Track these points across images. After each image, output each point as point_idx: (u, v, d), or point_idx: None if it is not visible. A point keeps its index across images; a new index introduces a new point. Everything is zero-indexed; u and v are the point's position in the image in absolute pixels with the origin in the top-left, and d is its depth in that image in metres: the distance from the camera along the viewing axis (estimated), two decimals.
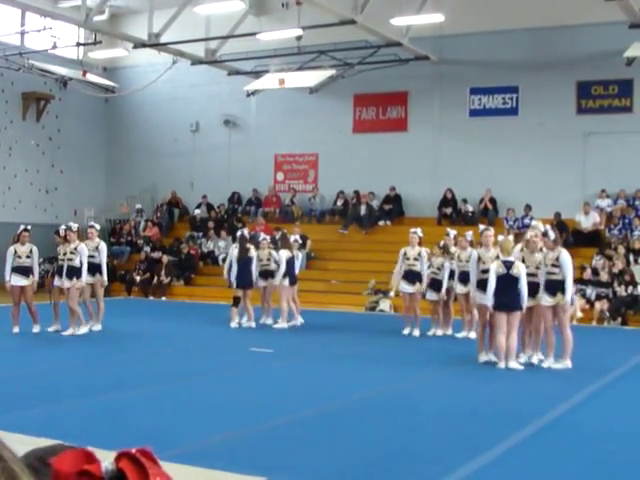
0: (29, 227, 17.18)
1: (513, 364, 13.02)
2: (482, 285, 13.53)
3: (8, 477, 1.04)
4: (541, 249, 13.54)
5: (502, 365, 13.02)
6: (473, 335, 16.87)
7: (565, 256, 13.30)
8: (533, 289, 13.25)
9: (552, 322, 13.34)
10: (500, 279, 13.02)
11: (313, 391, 11.02)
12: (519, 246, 13.83)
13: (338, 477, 6.99)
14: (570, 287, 13.30)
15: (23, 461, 1.15)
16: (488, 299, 13.17)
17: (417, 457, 7.83)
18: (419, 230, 17.91)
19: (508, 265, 13.02)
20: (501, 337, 13.03)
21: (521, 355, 13.67)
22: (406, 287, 17.64)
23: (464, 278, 16.72)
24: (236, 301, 18.71)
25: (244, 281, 18.68)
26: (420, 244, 17.76)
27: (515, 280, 12.94)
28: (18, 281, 16.57)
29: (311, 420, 9.26)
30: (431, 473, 7.22)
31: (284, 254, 18.81)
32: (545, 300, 13.22)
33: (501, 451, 7.97)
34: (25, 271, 16.60)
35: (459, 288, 17.08)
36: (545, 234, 13.49)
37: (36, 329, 16.62)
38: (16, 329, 16.50)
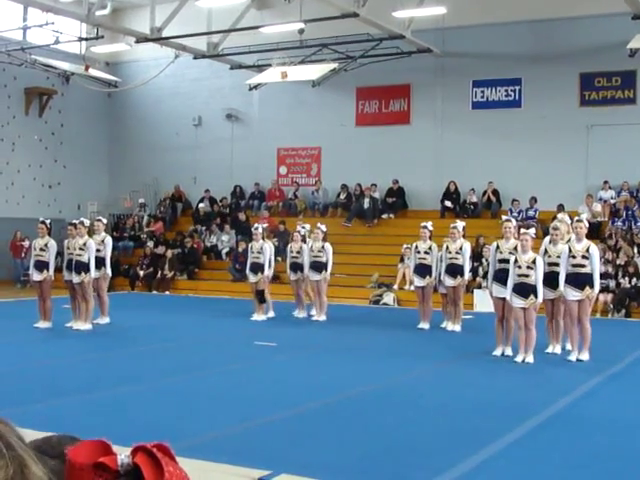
0: (48, 220, 17.12)
1: (529, 358, 12.94)
2: (498, 277, 13.41)
3: (17, 465, 1.05)
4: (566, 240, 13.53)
5: (519, 359, 12.93)
6: (458, 328, 16.92)
7: (594, 248, 13.25)
8: (555, 279, 13.15)
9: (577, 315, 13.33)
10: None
11: (317, 384, 11.03)
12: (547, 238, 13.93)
13: (342, 470, 7.00)
14: (598, 279, 13.23)
15: (33, 448, 1.16)
16: (507, 292, 13.14)
17: (421, 450, 7.84)
18: (429, 224, 17.90)
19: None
20: (519, 332, 12.99)
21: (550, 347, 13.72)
22: (417, 281, 17.65)
23: (453, 270, 16.85)
24: (261, 295, 18.88)
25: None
26: (430, 238, 17.75)
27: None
28: (35, 276, 16.61)
29: (315, 413, 9.27)
30: (435, 466, 7.23)
31: (329, 247, 19.10)
32: (572, 295, 13.11)
33: (505, 444, 7.98)
34: (41, 265, 16.60)
35: (447, 281, 17.15)
36: (580, 221, 13.45)
37: (45, 325, 16.62)
38: (43, 324, 16.54)
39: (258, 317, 18.71)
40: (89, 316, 16.82)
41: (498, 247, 13.75)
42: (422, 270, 17.52)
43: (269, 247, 19.03)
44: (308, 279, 19.25)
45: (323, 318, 18.76)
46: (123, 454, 1.10)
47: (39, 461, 1.10)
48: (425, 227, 17.74)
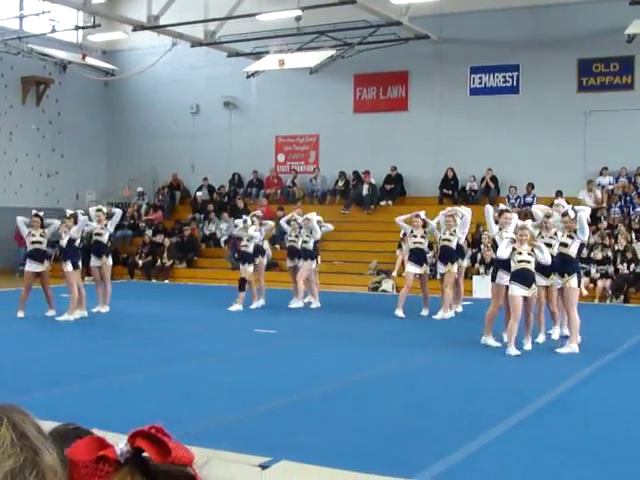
0: (41, 213, 17.18)
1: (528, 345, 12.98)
2: (520, 276, 12.96)
3: (30, 454, 1.06)
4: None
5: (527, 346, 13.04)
6: (443, 315, 16.93)
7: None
8: (547, 266, 13.10)
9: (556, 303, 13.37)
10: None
11: (316, 371, 11.06)
12: (529, 222, 13.77)
13: (341, 456, 7.03)
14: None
15: (54, 436, 1.17)
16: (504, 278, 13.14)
17: (420, 435, 7.87)
18: (422, 213, 17.89)
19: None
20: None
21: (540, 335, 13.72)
22: (413, 268, 17.57)
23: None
24: (243, 283, 18.74)
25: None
26: (424, 226, 17.74)
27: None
28: (31, 266, 16.58)
29: (314, 400, 9.30)
30: (434, 451, 7.26)
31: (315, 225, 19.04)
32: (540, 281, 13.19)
33: (504, 429, 8.01)
34: (40, 256, 16.59)
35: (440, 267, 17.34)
36: (565, 214, 13.43)
37: (50, 313, 16.64)
38: (21, 314, 16.50)
39: (233, 307, 18.42)
40: (107, 299, 17.49)
41: (515, 249, 13.44)
42: (418, 256, 17.49)
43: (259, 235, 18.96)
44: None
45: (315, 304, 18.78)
46: (121, 443, 1.11)
47: (54, 450, 1.11)
48: (418, 216, 17.72)
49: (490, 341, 13.41)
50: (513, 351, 12.49)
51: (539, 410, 8.86)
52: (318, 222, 19.16)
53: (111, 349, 13.14)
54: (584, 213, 13.25)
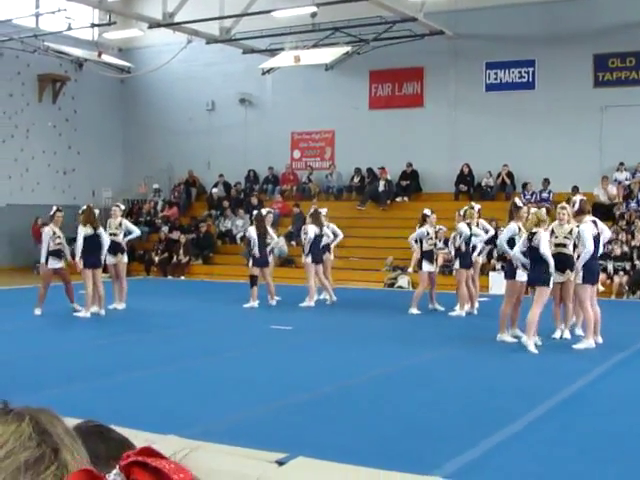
0: (61, 207, 17.31)
1: (527, 340, 12.66)
2: (555, 261, 12.80)
3: (49, 450, 1.08)
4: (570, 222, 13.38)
5: (557, 335, 13.10)
6: (459, 312, 16.92)
7: (580, 228, 13.12)
8: (562, 262, 12.92)
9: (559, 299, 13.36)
10: (527, 254, 12.79)
11: (332, 368, 11.07)
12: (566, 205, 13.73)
13: (358, 452, 7.04)
14: (582, 262, 13.10)
15: (84, 433, 1.18)
16: (523, 274, 13.10)
17: (437, 433, 7.88)
18: (429, 211, 17.88)
19: (530, 238, 12.77)
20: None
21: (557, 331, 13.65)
22: (429, 267, 17.59)
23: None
24: (253, 280, 18.71)
25: (260, 260, 18.72)
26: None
27: (538, 253, 12.56)
28: (53, 263, 16.63)
29: (331, 396, 9.32)
30: (451, 449, 7.26)
31: (312, 229, 18.85)
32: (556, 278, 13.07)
33: (521, 426, 8.00)
34: (60, 253, 16.68)
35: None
36: (564, 208, 13.37)
37: (76, 307, 16.74)
38: (39, 311, 16.57)
39: (248, 305, 18.42)
40: (123, 297, 17.66)
41: (553, 232, 13.16)
42: (432, 254, 17.56)
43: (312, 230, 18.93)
44: (328, 262, 19.33)
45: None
46: (112, 472, 1.08)
47: (80, 452, 1.12)
48: (426, 215, 17.71)
49: (506, 337, 13.39)
50: (532, 347, 12.45)
51: (556, 407, 8.85)
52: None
53: (127, 346, 13.19)
54: (586, 228, 13.10)
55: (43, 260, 16.65)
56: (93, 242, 16.50)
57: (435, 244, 17.75)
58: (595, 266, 13.51)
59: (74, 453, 1.12)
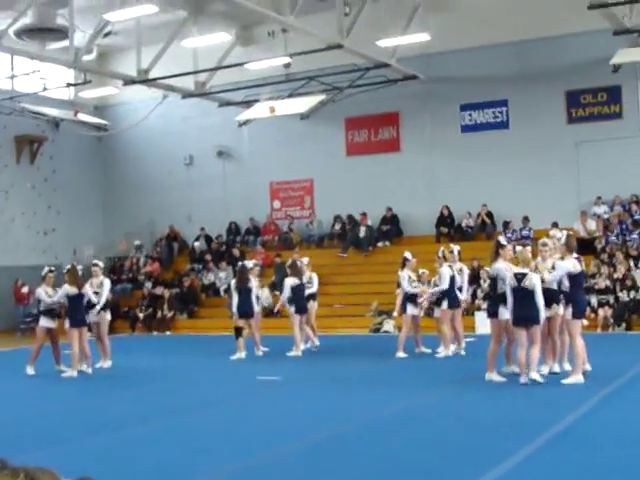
0: (53, 268, 17.27)
1: (534, 375, 12.70)
2: (503, 300, 13.21)
3: None
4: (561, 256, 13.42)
5: (523, 380, 12.81)
6: (444, 352, 16.92)
7: (559, 263, 13.17)
8: (548, 297, 12.92)
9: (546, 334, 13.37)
10: (515, 292, 12.79)
11: (323, 415, 11.02)
12: (548, 240, 13.74)
13: None
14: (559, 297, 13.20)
15: None
16: (507, 313, 13.14)
17: (433, 473, 7.84)
18: (409, 255, 17.93)
19: (520, 277, 12.82)
20: (521, 352, 12.83)
21: (542, 367, 13.59)
22: (412, 309, 17.59)
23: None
24: (238, 331, 18.69)
25: (243, 311, 18.73)
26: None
27: (530, 292, 12.64)
28: (48, 323, 16.56)
29: (323, 444, 9.26)
30: None
31: (289, 281, 18.87)
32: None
33: (515, 462, 7.97)
34: (54, 313, 16.62)
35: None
36: (545, 244, 13.46)
37: (62, 368, 16.60)
38: (31, 370, 16.47)
39: (235, 356, 18.38)
40: (108, 354, 17.49)
41: (536, 268, 13.27)
42: (415, 297, 17.59)
43: (289, 282, 18.98)
44: (312, 310, 19.33)
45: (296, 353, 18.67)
46: None
47: None
48: (406, 259, 17.76)
49: (494, 377, 13.38)
50: (539, 378, 12.64)
51: (549, 442, 8.83)
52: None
53: (115, 404, 13.09)
54: (565, 264, 13.15)
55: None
56: (78, 301, 16.46)
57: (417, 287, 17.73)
58: (584, 301, 13.60)
59: None
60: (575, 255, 13.41)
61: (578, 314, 13.08)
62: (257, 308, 19.15)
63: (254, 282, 18.99)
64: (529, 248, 13.76)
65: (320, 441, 9.37)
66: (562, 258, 13.22)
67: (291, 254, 24.52)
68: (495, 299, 13.65)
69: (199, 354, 19.78)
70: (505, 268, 13.32)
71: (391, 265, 23.93)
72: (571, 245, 13.38)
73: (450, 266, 17.25)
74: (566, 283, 13.06)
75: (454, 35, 26.46)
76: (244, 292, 18.68)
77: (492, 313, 13.73)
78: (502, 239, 14.25)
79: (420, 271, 17.91)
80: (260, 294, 19.42)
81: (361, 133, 29.13)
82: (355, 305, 25.34)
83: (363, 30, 23.27)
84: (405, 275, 17.51)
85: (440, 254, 17.56)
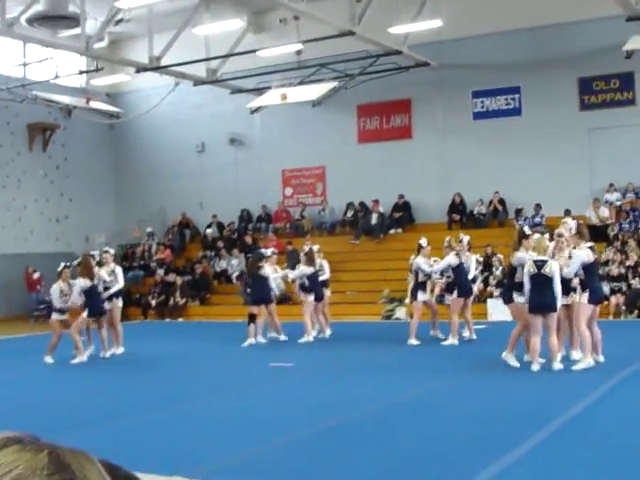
0: (69, 263, 17.33)
1: (557, 365, 12.73)
2: (518, 287, 13.31)
3: None
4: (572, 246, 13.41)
5: (535, 368, 12.81)
6: (452, 341, 16.94)
7: (576, 253, 13.17)
8: (565, 286, 12.95)
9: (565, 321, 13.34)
10: (533, 279, 12.81)
11: (335, 401, 11.04)
12: (552, 244, 13.69)
13: None
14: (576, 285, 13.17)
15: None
16: (520, 298, 13.15)
17: (443, 460, 7.86)
18: (424, 242, 17.90)
19: (540, 264, 12.83)
20: (534, 339, 12.84)
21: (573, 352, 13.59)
22: (423, 296, 17.64)
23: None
24: (251, 318, 18.75)
25: (256, 297, 18.79)
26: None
27: (549, 280, 12.66)
28: (60, 316, 16.69)
29: (335, 430, 9.29)
30: (458, 475, 7.25)
31: (305, 270, 18.89)
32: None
33: (527, 449, 7.99)
34: (64, 310, 16.76)
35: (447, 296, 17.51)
36: (560, 235, 13.45)
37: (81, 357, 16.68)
38: (50, 359, 16.55)
39: (245, 343, 18.47)
40: (120, 341, 17.54)
41: (553, 256, 13.24)
42: (425, 284, 17.64)
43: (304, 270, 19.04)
44: (325, 298, 19.37)
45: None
46: None
47: None
48: (421, 246, 17.77)
49: (510, 359, 13.34)
50: (558, 365, 12.69)
51: (560, 428, 8.84)
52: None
53: (127, 389, 13.16)
54: (580, 254, 13.14)
55: (53, 316, 16.80)
56: (94, 291, 16.63)
57: (430, 275, 17.76)
58: (601, 288, 13.63)
59: None
60: (589, 244, 13.41)
61: (593, 301, 13.11)
62: (276, 292, 19.14)
63: (269, 269, 19.00)
64: (547, 236, 13.76)
65: (330, 428, 9.39)
66: (574, 247, 13.22)
67: (303, 241, 24.57)
68: (510, 286, 13.67)
69: (211, 341, 19.82)
70: (528, 258, 13.28)
71: (403, 252, 23.97)
72: (583, 234, 13.37)
73: (458, 254, 17.24)
74: (581, 272, 13.07)
75: (466, 22, 26.38)
76: (257, 279, 18.76)
77: (507, 299, 13.77)
78: (526, 229, 14.13)
79: (432, 259, 17.90)
80: (279, 281, 19.42)
81: (373, 120, 29.08)
82: (367, 292, 25.34)
83: (375, 17, 23.19)
84: (420, 261, 17.52)
85: (446, 243, 17.56)
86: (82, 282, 16.52)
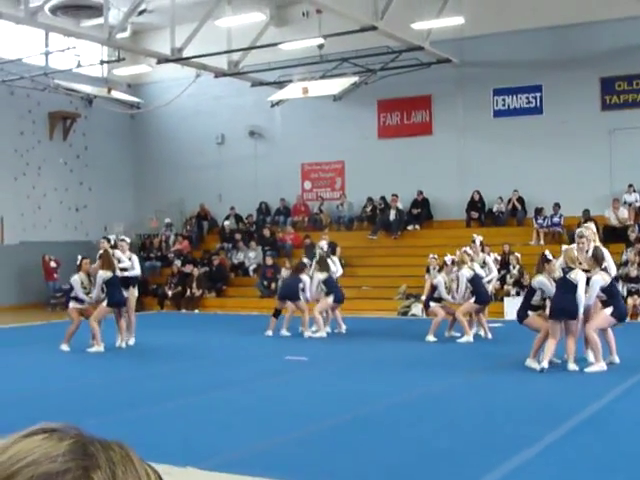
0: (87, 257, 17.47)
1: (572, 366, 12.73)
2: (534, 308, 13.43)
3: (79, 471, 1.06)
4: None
5: (534, 366, 12.86)
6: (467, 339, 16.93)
7: (594, 279, 13.12)
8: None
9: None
10: (557, 284, 12.87)
11: (349, 396, 11.05)
12: (588, 231, 13.74)
13: None
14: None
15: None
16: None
17: (455, 458, 7.86)
18: (433, 257, 18.12)
19: (566, 270, 12.87)
20: (551, 341, 12.80)
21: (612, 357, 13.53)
22: (436, 305, 17.74)
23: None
24: (275, 312, 18.89)
25: (282, 293, 19.07)
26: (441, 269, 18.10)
27: (573, 286, 12.69)
28: (77, 304, 16.82)
29: (348, 425, 9.31)
30: (469, 473, 7.25)
31: (318, 277, 18.86)
32: None
33: (539, 449, 7.98)
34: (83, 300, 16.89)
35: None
36: (582, 236, 13.45)
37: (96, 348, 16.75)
38: (66, 347, 16.61)
39: (267, 332, 18.80)
40: (132, 330, 17.64)
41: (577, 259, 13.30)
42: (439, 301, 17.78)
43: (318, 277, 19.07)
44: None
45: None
46: None
47: None
48: (434, 258, 18.00)
49: (532, 364, 13.27)
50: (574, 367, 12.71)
51: (573, 428, 8.83)
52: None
53: (143, 379, 13.20)
54: (597, 280, 13.09)
55: (70, 304, 17.01)
56: (114, 282, 16.71)
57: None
58: (623, 307, 13.72)
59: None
60: (604, 265, 13.33)
61: (615, 316, 13.07)
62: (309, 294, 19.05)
63: (307, 279, 18.87)
64: (574, 246, 13.68)
65: (344, 423, 9.41)
66: (588, 271, 13.15)
67: (320, 235, 24.59)
68: (525, 307, 13.66)
69: (227, 333, 19.85)
70: (549, 284, 13.29)
71: (420, 249, 24.00)
72: (598, 258, 13.28)
73: (470, 266, 17.31)
74: (600, 294, 13.07)
75: (488, 19, 26.32)
76: (292, 278, 19.03)
77: (522, 318, 13.66)
78: (548, 253, 14.02)
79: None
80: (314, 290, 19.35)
81: (393, 116, 29.05)
82: (383, 288, 25.32)
83: (397, 12, 23.15)
84: (441, 280, 17.54)
85: (457, 258, 17.56)
86: (103, 274, 16.61)
